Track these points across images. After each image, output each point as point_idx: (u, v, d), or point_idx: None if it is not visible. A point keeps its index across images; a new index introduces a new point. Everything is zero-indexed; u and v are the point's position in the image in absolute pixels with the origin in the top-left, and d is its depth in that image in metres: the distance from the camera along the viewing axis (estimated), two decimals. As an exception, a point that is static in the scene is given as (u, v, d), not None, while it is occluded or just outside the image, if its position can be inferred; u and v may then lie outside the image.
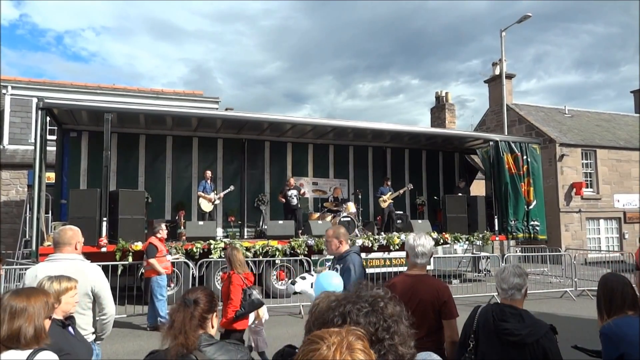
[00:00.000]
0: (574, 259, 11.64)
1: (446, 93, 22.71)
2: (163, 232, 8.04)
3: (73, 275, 3.03)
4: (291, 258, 10.23)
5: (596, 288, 2.86)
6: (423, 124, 23.68)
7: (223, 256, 9.66)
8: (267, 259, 10.04)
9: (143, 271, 8.66)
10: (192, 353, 1.90)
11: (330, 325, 1.23)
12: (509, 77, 19.64)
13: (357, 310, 1.27)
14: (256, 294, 4.74)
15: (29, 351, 1.94)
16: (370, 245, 10.93)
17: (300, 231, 11.39)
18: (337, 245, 3.72)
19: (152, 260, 7.57)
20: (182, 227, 10.87)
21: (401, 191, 13.28)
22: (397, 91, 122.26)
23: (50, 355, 1.99)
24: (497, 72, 19.45)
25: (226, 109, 18.33)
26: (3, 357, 1.89)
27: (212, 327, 2.09)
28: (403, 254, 12.55)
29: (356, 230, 11.50)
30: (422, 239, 3.13)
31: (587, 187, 18.58)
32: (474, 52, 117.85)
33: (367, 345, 1.05)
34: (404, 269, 3.38)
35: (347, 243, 3.78)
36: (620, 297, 2.60)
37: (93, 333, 3.27)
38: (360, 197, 12.84)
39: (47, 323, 2.09)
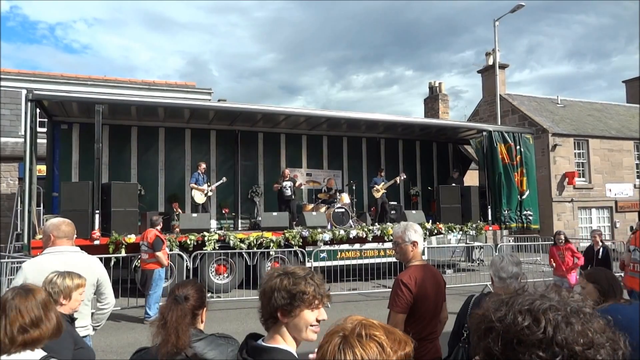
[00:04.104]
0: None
1: (439, 84, 22.68)
2: (161, 225, 8.14)
3: (79, 267, 3.02)
4: (285, 249, 10.22)
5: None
6: (416, 115, 23.70)
7: (217, 248, 9.68)
8: (262, 250, 10.03)
9: (137, 264, 8.61)
10: (183, 350, 1.86)
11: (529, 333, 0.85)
12: (502, 67, 19.63)
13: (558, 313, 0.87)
14: None
15: (35, 355, 1.86)
16: (365, 235, 10.95)
17: (294, 222, 11.38)
18: None
19: (159, 253, 7.60)
20: (176, 219, 10.82)
21: (396, 180, 13.29)
22: (391, 82, 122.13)
23: None
24: (491, 62, 19.45)
25: (219, 100, 18.20)
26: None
27: (202, 322, 2.06)
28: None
29: (350, 221, 11.50)
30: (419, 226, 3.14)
31: (580, 177, 18.70)
32: (467, 43, 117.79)
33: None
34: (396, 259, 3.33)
35: None
36: (614, 287, 2.66)
37: (90, 325, 3.25)
38: (354, 188, 12.84)
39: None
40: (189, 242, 9.55)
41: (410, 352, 0.99)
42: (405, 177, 13.77)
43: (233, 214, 12.77)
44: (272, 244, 10.12)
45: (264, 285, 1.67)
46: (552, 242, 8.42)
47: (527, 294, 0.92)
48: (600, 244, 7.96)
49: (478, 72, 21.18)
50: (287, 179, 12.04)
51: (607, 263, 7.59)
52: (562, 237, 8.13)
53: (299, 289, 1.60)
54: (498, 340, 0.86)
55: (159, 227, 7.96)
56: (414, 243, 2.93)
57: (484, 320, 0.91)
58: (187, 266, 9.31)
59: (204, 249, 9.58)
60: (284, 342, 1.62)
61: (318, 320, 1.65)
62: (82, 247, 3.51)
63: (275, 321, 1.63)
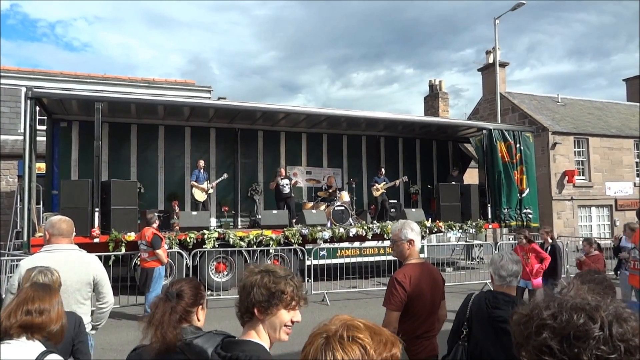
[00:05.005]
0: (566, 246, 11.73)
1: (440, 82, 22.64)
2: (157, 222, 8.10)
3: (76, 265, 3.01)
4: (285, 247, 10.23)
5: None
6: (416, 114, 23.68)
7: (217, 246, 9.68)
8: (261, 248, 10.03)
9: (138, 262, 8.62)
10: (179, 347, 1.83)
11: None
12: (503, 65, 19.59)
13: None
14: None
15: (35, 348, 1.87)
16: (364, 233, 10.95)
17: (294, 220, 11.38)
18: None
19: (159, 251, 7.61)
20: (176, 217, 10.82)
21: (396, 182, 13.29)
22: (391, 80, 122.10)
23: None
24: (491, 60, 19.41)
25: (219, 98, 18.18)
26: (13, 346, 1.83)
27: (199, 319, 2.05)
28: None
29: (350, 219, 11.50)
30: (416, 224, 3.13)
31: (579, 175, 18.69)
32: (468, 41, 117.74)
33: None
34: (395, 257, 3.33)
35: None
36: (610, 288, 2.67)
37: (89, 323, 3.25)
38: (354, 186, 12.83)
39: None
40: (188, 240, 9.54)
41: (398, 353, 0.99)
42: (406, 179, 13.72)
43: (233, 211, 12.77)
44: (271, 242, 10.12)
45: (245, 280, 1.69)
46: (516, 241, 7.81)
47: (566, 297, 0.94)
48: (550, 241, 7.48)
49: (478, 70, 21.14)
50: (284, 177, 12.04)
51: (554, 261, 7.12)
52: (523, 237, 7.40)
53: (278, 288, 1.62)
54: (554, 337, 0.88)
55: (155, 225, 7.95)
56: (411, 241, 2.94)
57: (534, 318, 0.92)
58: (186, 264, 9.31)
59: (204, 247, 9.58)
60: (258, 337, 1.64)
61: (293, 322, 1.67)
62: (82, 245, 3.51)
63: (251, 317, 1.66)
